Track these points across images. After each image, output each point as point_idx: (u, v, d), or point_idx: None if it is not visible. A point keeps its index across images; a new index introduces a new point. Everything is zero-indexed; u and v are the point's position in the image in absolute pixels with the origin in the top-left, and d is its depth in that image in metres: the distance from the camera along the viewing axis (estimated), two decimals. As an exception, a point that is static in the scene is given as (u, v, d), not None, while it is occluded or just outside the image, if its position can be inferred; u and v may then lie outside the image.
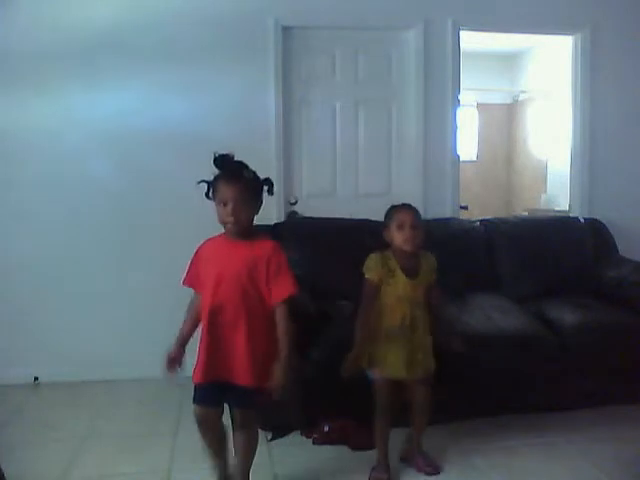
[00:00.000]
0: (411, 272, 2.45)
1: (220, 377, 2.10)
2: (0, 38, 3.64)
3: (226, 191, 2.14)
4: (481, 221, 3.91)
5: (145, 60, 3.76)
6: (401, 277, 2.43)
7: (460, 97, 4.18)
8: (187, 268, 2.24)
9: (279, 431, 2.89)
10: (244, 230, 2.16)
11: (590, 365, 3.09)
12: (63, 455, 2.74)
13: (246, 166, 2.21)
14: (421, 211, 4.01)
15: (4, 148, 3.70)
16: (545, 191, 5.91)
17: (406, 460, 2.63)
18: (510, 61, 6.54)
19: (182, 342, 2.16)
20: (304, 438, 2.86)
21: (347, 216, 3.75)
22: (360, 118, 4.11)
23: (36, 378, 3.76)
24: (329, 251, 3.52)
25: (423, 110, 4.06)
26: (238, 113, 3.86)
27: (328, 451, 2.75)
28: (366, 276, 2.48)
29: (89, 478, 2.58)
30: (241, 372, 2.09)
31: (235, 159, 2.23)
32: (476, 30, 4.23)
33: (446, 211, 4.10)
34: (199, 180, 2.22)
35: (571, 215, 4.30)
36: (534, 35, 4.96)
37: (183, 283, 2.23)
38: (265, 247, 2.16)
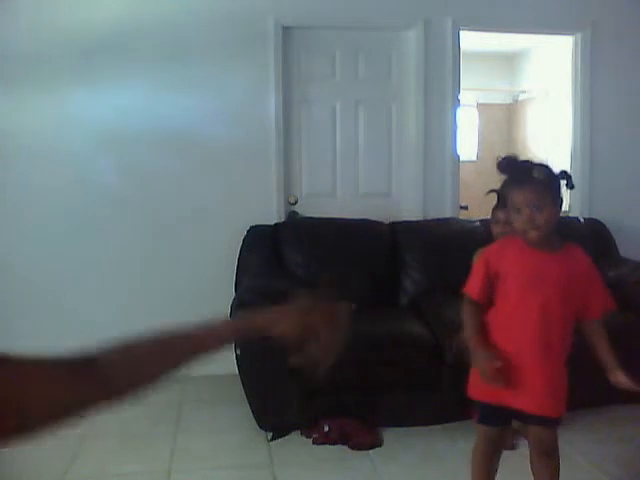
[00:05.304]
0: None
1: None
2: (0, 39, 3.64)
3: (520, 197, 1.86)
4: (481, 221, 3.91)
5: (145, 61, 3.76)
6: None
7: (460, 97, 4.17)
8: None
9: (279, 431, 2.89)
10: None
11: (590, 365, 3.08)
12: (63, 455, 2.74)
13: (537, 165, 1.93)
14: (421, 211, 4.09)
15: (4, 148, 3.70)
16: (545, 191, 5.90)
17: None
18: (510, 61, 6.54)
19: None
20: (304, 438, 2.86)
21: (347, 216, 3.76)
22: (360, 118, 4.11)
23: (36, 378, 3.75)
24: (329, 251, 3.52)
25: (423, 110, 4.06)
26: (238, 113, 3.86)
27: (328, 451, 2.75)
28: None
29: (89, 478, 2.58)
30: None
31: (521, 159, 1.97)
32: (476, 30, 4.23)
33: (446, 211, 4.10)
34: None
35: (571, 215, 4.30)
36: (534, 35, 4.95)
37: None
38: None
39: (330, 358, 0.94)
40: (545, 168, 1.86)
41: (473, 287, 1.97)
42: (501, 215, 2.68)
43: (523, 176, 1.85)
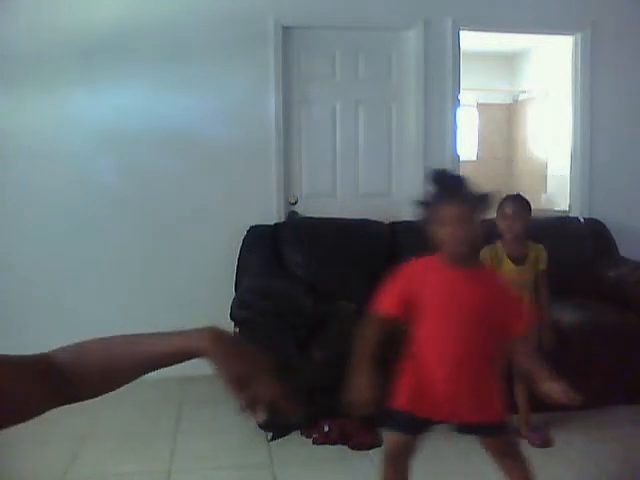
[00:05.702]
0: (518, 260, 2.73)
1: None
2: (0, 39, 3.64)
3: (450, 213, 1.82)
4: (481, 221, 3.90)
5: (145, 61, 3.76)
6: (508, 264, 2.71)
7: (460, 97, 4.18)
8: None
9: (279, 431, 2.89)
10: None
11: (590, 365, 3.09)
12: (63, 455, 2.74)
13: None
14: (421, 211, 4.08)
15: (4, 148, 3.70)
16: (545, 191, 5.90)
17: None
18: (510, 61, 6.54)
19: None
20: (304, 438, 2.86)
21: (347, 216, 3.75)
22: (360, 118, 4.11)
23: (36, 378, 3.76)
24: (329, 251, 3.52)
25: (423, 110, 4.06)
26: (238, 113, 3.86)
27: (328, 451, 2.75)
28: None
29: (89, 478, 2.58)
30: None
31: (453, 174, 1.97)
32: (476, 30, 4.23)
33: (446, 211, 4.09)
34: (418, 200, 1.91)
35: (571, 215, 4.30)
36: (534, 35, 4.95)
37: None
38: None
39: (280, 404, 0.88)
40: (473, 186, 1.85)
41: (387, 303, 1.89)
42: (508, 210, 2.70)
43: (454, 192, 1.83)
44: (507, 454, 1.99)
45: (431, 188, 1.85)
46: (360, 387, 1.83)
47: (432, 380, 1.89)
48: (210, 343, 0.85)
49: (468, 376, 1.89)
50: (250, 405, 0.86)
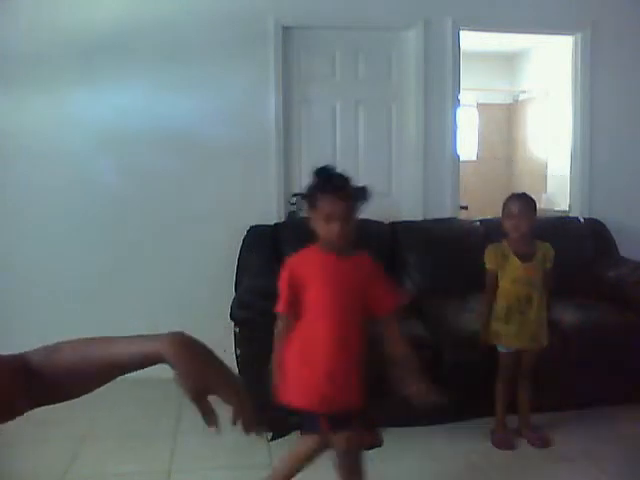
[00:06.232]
0: (525, 257, 2.75)
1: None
2: (0, 39, 3.64)
3: (333, 208, 1.95)
4: (481, 221, 3.91)
5: (145, 61, 3.76)
6: (515, 261, 2.74)
7: (460, 97, 4.17)
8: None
9: (279, 431, 2.88)
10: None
11: (590, 365, 3.09)
12: (63, 455, 2.75)
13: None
14: (421, 211, 4.08)
15: (4, 148, 3.70)
16: (545, 191, 5.90)
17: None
18: (510, 61, 6.54)
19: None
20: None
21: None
22: (360, 118, 4.11)
23: (36, 378, 3.76)
24: (329, 251, 3.52)
25: (423, 110, 4.06)
26: (238, 113, 3.86)
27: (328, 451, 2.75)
28: (487, 267, 2.77)
29: (89, 478, 2.58)
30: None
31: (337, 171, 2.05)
32: (476, 30, 4.23)
33: (446, 211, 4.10)
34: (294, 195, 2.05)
35: (571, 215, 4.30)
36: (534, 35, 4.95)
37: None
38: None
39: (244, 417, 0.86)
40: (353, 182, 1.99)
41: (281, 302, 2.00)
42: (513, 209, 2.70)
43: (338, 190, 1.95)
44: (351, 452, 2.07)
45: (313, 182, 1.99)
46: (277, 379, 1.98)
47: (316, 365, 1.97)
48: (172, 349, 0.83)
49: (347, 359, 1.99)
50: (207, 414, 0.84)
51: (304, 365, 1.99)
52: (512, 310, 2.72)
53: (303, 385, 2.00)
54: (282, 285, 2.01)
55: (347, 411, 1.98)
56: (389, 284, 2.11)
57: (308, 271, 2.00)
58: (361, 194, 1.99)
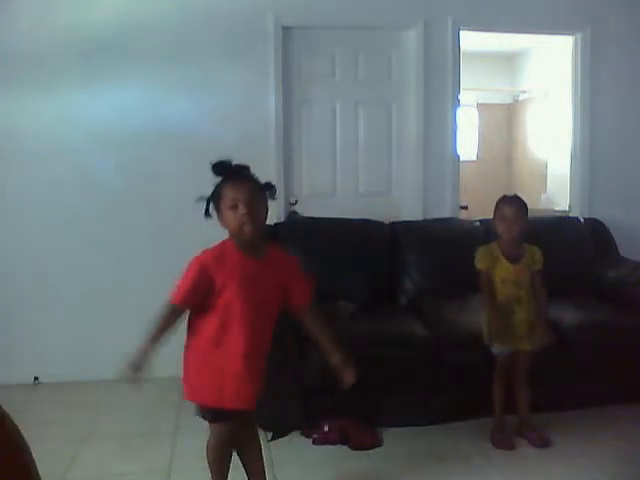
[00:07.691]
0: (513, 259, 2.77)
1: None
2: (0, 39, 3.64)
3: (237, 192, 1.97)
4: (481, 221, 3.90)
5: (144, 60, 3.76)
6: (504, 263, 2.76)
7: (460, 97, 4.18)
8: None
9: (279, 431, 2.88)
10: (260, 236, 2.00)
11: (590, 365, 3.09)
12: (63, 455, 2.74)
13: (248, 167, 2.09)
14: (421, 211, 4.08)
15: (4, 148, 3.70)
16: (545, 191, 5.90)
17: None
18: (510, 61, 6.54)
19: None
20: (304, 438, 2.86)
21: (347, 216, 3.75)
22: (360, 118, 4.11)
23: (36, 378, 3.76)
24: (329, 251, 3.52)
25: (423, 110, 4.06)
26: (238, 113, 3.86)
27: (328, 451, 2.75)
28: (477, 267, 2.79)
29: (89, 478, 2.58)
30: None
31: (235, 162, 2.09)
32: (476, 30, 4.23)
33: (446, 211, 4.10)
34: (198, 198, 2.10)
35: (571, 215, 4.30)
36: (534, 35, 4.95)
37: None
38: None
39: None
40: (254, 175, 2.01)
41: (180, 292, 1.98)
42: (507, 212, 2.71)
43: (239, 175, 2.01)
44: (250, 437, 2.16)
45: (216, 179, 2.03)
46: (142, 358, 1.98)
47: (231, 361, 1.95)
48: None
49: (259, 357, 2.01)
50: None
51: (207, 371, 1.99)
52: (502, 311, 2.74)
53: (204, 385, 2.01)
54: (188, 277, 1.97)
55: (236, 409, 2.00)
56: (303, 273, 2.11)
57: (224, 275, 1.93)
58: (265, 185, 2.02)
